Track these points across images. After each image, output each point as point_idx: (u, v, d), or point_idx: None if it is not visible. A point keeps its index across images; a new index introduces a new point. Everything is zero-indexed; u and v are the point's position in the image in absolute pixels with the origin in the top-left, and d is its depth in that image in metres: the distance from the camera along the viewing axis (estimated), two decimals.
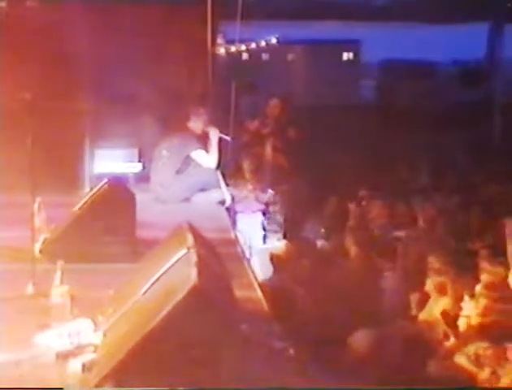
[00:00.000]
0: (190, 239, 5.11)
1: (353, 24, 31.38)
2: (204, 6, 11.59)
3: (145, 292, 4.86)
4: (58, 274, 5.42)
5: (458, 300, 7.30)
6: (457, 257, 8.46)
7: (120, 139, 10.78)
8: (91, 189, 7.51)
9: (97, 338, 4.96)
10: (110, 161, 10.75)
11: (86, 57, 10.18)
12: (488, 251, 8.50)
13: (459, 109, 21.04)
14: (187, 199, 10.23)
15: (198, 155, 10.40)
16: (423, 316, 7.73)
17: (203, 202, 10.18)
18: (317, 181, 12.74)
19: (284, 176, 13.08)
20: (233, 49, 20.24)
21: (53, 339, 4.98)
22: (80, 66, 10.16)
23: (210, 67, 11.92)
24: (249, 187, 12.06)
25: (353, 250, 9.40)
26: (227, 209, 10.32)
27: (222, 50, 18.28)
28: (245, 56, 26.84)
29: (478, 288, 7.32)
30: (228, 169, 11.41)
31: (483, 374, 6.45)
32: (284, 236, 11.05)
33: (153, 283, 4.84)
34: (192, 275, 4.49)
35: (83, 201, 7.34)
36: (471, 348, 6.69)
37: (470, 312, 7.01)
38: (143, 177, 10.73)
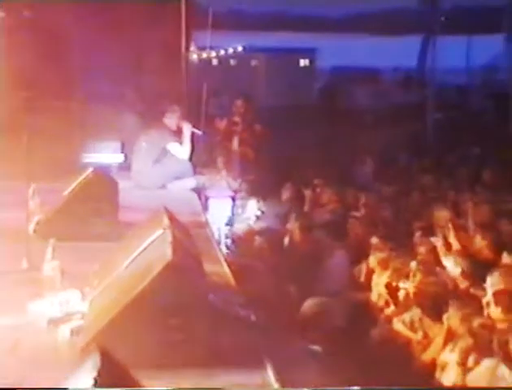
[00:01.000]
0: (166, 221, 5.11)
1: (310, 35, 31.53)
2: (179, 16, 11.56)
3: (127, 266, 4.85)
4: (50, 250, 5.40)
5: (398, 273, 7.33)
6: (397, 236, 8.49)
7: (105, 133, 10.75)
8: (79, 177, 7.45)
9: (84, 307, 4.95)
10: (96, 152, 10.72)
11: (76, 60, 10.11)
12: (423, 231, 8.54)
13: (399, 109, 21.19)
14: (163, 186, 10.22)
15: (173, 147, 10.38)
16: (368, 288, 7.76)
17: (178, 189, 10.17)
18: (278, 171, 12.76)
19: (249, 167, 13.10)
20: (204, 55, 20.14)
21: (45, 307, 4.97)
22: (71, 68, 10.09)
23: (184, 71, 11.91)
24: (221, 175, 12.05)
25: (299, 233, 9.44)
26: (199, 194, 10.32)
27: (194, 56, 18.20)
28: (214, 61, 26.79)
29: (414, 263, 7.35)
30: (202, 159, 11.42)
31: (417, 337, 6.50)
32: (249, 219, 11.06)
33: (133, 259, 4.83)
34: (167, 252, 4.49)
35: (72, 187, 7.32)
36: (407, 315, 6.73)
37: (408, 284, 7.04)
38: (124, 167, 10.70)
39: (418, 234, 8.33)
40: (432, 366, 6.04)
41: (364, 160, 13.87)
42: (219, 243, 8.82)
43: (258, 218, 10.84)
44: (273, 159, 13.44)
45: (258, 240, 9.36)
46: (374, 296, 7.48)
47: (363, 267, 8.10)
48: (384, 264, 7.75)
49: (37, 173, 6.63)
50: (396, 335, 6.69)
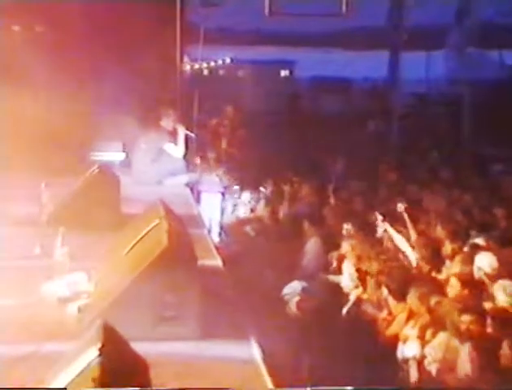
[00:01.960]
0: (162, 212, 5.10)
1: (290, 49, 31.57)
2: (174, 33, 11.59)
3: (128, 252, 4.84)
4: (60, 238, 5.39)
5: (367, 259, 7.35)
6: (366, 226, 8.50)
7: (109, 134, 10.74)
8: (86, 173, 7.44)
9: (89, 287, 4.95)
10: (100, 151, 10.71)
11: (86, 71, 10.09)
12: (388, 221, 8.54)
13: (367, 115, 21.23)
14: (160, 182, 10.19)
15: (169, 147, 10.38)
16: (339, 271, 7.77)
17: (173, 184, 10.15)
18: (260, 169, 12.75)
19: (236, 165, 13.11)
20: (197, 66, 20.15)
21: (55, 288, 4.98)
22: (81, 78, 10.07)
23: (179, 79, 11.91)
24: (212, 172, 12.02)
25: (277, 223, 9.46)
26: (192, 189, 10.32)
27: (188, 67, 18.15)
28: (205, 72, 26.74)
29: (380, 250, 7.39)
30: (195, 157, 11.42)
31: (382, 315, 6.52)
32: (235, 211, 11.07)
33: (133, 246, 4.83)
34: (163, 240, 4.49)
35: (79, 182, 7.31)
36: (375, 296, 6.75)
37: (374, 268, 7.07)
38: (126, 164, 10.69)
39: (383, 224, 8.32)
40: (395, 339, 6.07)
41: (336, 159, 13.87)
42: (209, 231, 8.81)
43: (245, 210, 10.83)
44: (256, 159, 13.43)
45: (245, 229, 9.38)
46: (345, 279, 7.49)
47: (336, 254, 8.11)
48: (354, 250, 7.77)
49: (49, 169, 6.63)
50: (364, 313, 6.72)
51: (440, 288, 6.32)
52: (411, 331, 5.92)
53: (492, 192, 10.60)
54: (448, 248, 7.29)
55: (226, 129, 14.77)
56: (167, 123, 10.53)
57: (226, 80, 27.89)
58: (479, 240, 7.37)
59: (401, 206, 8.22)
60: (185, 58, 14.12)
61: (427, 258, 7.16)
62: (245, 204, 11.05)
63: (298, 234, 8.87)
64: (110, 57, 10.53)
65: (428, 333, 5.77)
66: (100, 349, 2.77)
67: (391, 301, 6.46)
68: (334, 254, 8.09)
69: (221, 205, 10.88)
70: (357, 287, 7.19)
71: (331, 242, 8.36)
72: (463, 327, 5.46)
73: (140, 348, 3.09)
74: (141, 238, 4.83)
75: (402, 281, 6.47)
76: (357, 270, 7.33)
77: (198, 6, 15.57)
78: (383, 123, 19.87)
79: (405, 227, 8.06)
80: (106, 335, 2.91)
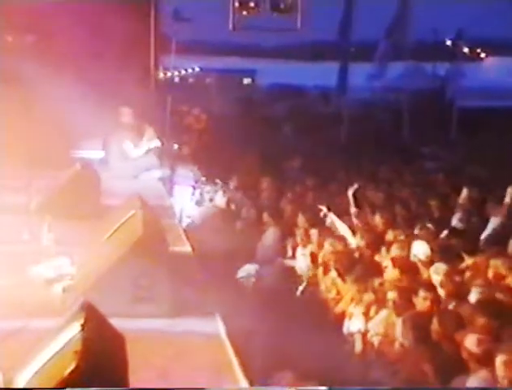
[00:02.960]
0: (138, 204, 5.08)
1: (251, 60, 31.61)
2: (149, 44, 11.58)
3: (107, 239, 4.82)
4: (46, 225, 5.35)
5: (320, 245, 7.39)
6: (319, 217, 8.49)
7: (89, 133, 10.63)
8: (70, 168, 7.39)
9: (73, 270, 4.92)
10: (82, 149, 10.59)
11: (67, 77, 9.96)
12: (334, 212, 8.54)
13: (319, 119, 21.32)
14: (136, 176, 10.11)
15: (127, 147, 10.26)
16: (294, 257, 7.80)
17: (147, 178, 10.08)
18: (226, 166, 12.68)
19: (204, 162, 13.06)
20: (169, 74, 20.04)
21: (42, 270, 4.94)
22: (65, 84, 9.95)
23: (153, 86, 11.86)
24: (185, 167, 11.94)
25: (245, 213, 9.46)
26: (164, 182, 10.25)
27: (161, 75, 18.05)
28: (177, 79, 26.64)
29: (329, 237, 7.42)
30: (171, 154, 11.38)
31: (331, 295, 6.56)
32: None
33: (112, 233, 4.81)
34: (139, 228, 4.48)
35: (64, 176, 7.25)
36: (325, 278, 6.79)
37: (328, 254, 7.10)
38: (104, 161, 10.58)
39: (328, 214, 8.31)
40: (342, 315, 6.11)
41: (293, 157, 13.90)
42: (180, 220, 8.77)
43: (212, 201, 10.76)
44: (222, 157, 13.40)
45: (212, 218, 9.35)
46: (299, 263, 7.52)
47: (291, 241, 8.13)
48: (307, 238, 7.80)
49: (36, 164, 6.56)
50: (316, 292, 6.76)
51: (380, 271, 6.38)
52: (356, 308, 5.97)
53: (427, 187, 10.69)
54: (390, 235, 7.34)
55: (195, 129, 14.75)
56: (125, 117, 10.40)
57: (195, 86, 27.86)
58: (416, 230, 7.44)
59: (350, 192, 8.23)
60: (159, 67, 14.04)
61: (369, 244, 7.20)
62: (219, 196, 10.96)
63: (259, 223, 8.90)
64: (91, 65, 10.46)
65: (372, 310, 5.82)
66: (82, 325, 2.76)
67: (339, 282, 6.51)
68: (290, 242, 8.12)
69: (192, 196, 10.84)
70: (309, 270, 7.23)
71: (288, 231, 8.38)
72: (400, 305, 5.52)
73: (117, 324, 3.09)
74: (119, 227, 4.81)
75: (348, 265, 6.52)
76: (311, 255, 7.36)
77: (171, 21, 15.54)
78: (332, 125, 19.97)
79: (349, 215, 8.08)
80: (88, 313, 2.90)
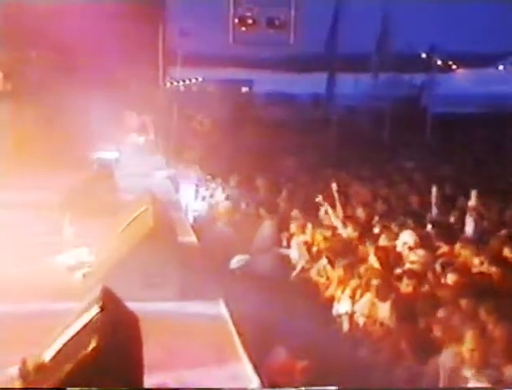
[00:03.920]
0: (149, 199, 5.08)
1: (249, 70, 31.70)
2: (157, 57, 11.61)
3: (121, 231, 4.81)
4: (67, 220, 5.36)
5: (313, 236, 7.38)
6: (312, 210, 8.46)
7: (105, 137, 10.65)
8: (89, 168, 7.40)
9: (92, 258, 4.92)
10: (100, 150, 10.60)
11: (86, 87, 9.97)
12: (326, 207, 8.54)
13: (309, 123, 21.35)
14: (146, 175, 10.11)
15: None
16: (289, 246, 7.77)
17: (156, 177, 10.09)
18: (226, 165, 12.64)
19: (207, 162, 13.02)
20: (175, 83, 20.06)
21: (64, 259, 4.94)
22: (82, 95, 9.93)
23: (161, 94, 11.88)
24: (190, 167, 11.93)
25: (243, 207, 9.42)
26: (172, 181, 10.27)
27: (168, 84, 18.06)
28: (182, 88, 26.62)
29: (323, 229, 7.41)
30: (177, 155, 11.38)
31: (322, 280, 6.56)
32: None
33: (127, 226, 4.80)
34: (150, 221, 4.48)
35: (82, 176, 7.25)
36: (317, 264, 6.78)
37: (320, 243, 7.10)
38: (118, 161, 10.59)
39: (324, 204, 8.28)
40: (332, 299, 6.11)
41: (287, 157, 13.91)
42: (186, 214, 8.77)
43: (212, 196, 10.73)
44: (222, 157, 13.38)
45: (215, 212, 9.31)
46: (293, 252, 7.51)
47: (286, 233, 8.10)
48: (302, 229, 7.75)
49: (58, 165, 6.56)
50: (308, 278, 6.75)
51: (365, 259, 6.38)
52: (344, 292, 5.97)
53: (405, 183, 10.69)
54: (376, 227, 7.34)
55: (198, 133, 14.73)
56: (131, 118, 10.43)
57: (198, 94, 27.79)
58: (399, 222, 7.42)
59: (334, 186, 8.22)
60: (166, 77, 14.05)
61: (358, 235, 7.19)
62: (222, 194, 10.92)
63: (256, 217, 8.87)
64: (107, 79, 10.51)
65: (357, 294, 5.82)
66: (101, 307, 2.76)
67: (329, 268, 6.50)
68: (285, 233, 8.10)
69: (196, 193, 10.84)
70: (302, 257, 7.22)
71: (283, 224, 8.36)
72: (382, 289, 5.53)
73: (132, 306, 3.08)
74: (133, 220, 4.81)
75: (338, 253, 6.52)
76: (306, 243, 7.33)
77: (177, 36, 15.52)
78: (322, 128, 19.99)
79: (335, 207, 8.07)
80: (106, 296, 2.90)
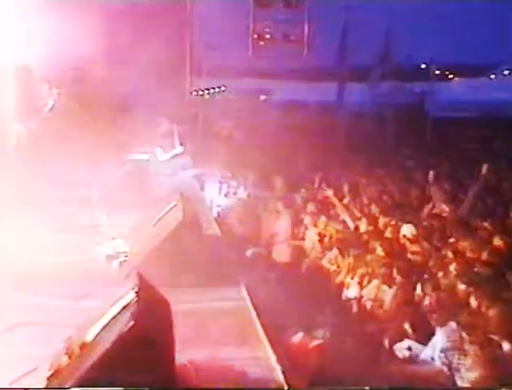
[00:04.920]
0: (178, 196, 5.08)
1: (267, 80, 31.77)
2: (185, 68, 11.62)
3: (154, 224, 4.82)
4: (106, 214, 5.37)
5: (325, 228, 7.34)
6: (324, 206, 8.38)
7: (138, 140, 10.65)
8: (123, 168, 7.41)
9: (127, 249, 4.92)
10: (133, 152, 10.60)
11: (123, 98, 9.97)
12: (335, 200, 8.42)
13: (321, 127, 21.20)
14: (174, 174, 10.09)
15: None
16: (303, 238, 7.72)
17: (184, 176, 10.07)
18: (245, 166, 12.54)
19: (229, 163, 12.98)
20: (200, 92, 20.08)
21: (103, 249, 4.95)
22: (121, 104, 9.91)
23: (189, 102, 11.90)
24: (214, 167, 11.87)
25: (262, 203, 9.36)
26: (197, 179, 10.23)
27: (194, 93, 18.05)
28: (207, 96, 26.65)
29: (332, 222, 7.35)
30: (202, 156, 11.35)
31: (332, 268, 6.53)
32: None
33: (158, 220, 4.80)
34: (179, 216, 4.48)
35: (118, 175, 7.28)
36: (328, 254, 6.75)
37: (330, 233, 7.06)
38: (149, 162, 10.55)
39: (332, 198, 8.18)
40: (341, 285, 6.08)
41: (300, 158, 13.81)
42: (211, 209, 8.76)
43: (235, 194, 10.69)
44: (243, 158, 13.33)
45: (236, 208, 9.31)
46: (307, 243, 7.47)
47: (302, 227, 8.03)
48: (315, 221, 7.69)
49: (97, 165, 6.58)
50: (320, 267, 6.73)
51: (372, 249, 6.33)
52: (353, 279, 5.94)
53: (408, 181, 10.59)
54: (382, 221, 7.27)
55: (221, 136, 14.72)
56: (161, 127, 10.39)
57: (221, 102, 27.80)
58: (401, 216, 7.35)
59: (345, 186, 8.16)
60: (193, 87, 14.07)
61: (367, 228, 7.14)
62: (244, 191, 10.86)
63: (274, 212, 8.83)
64: (140, 87, 10.50)
65: (365, 280, 5.79)
66: (136, 292, 2.76)
67: (339, 258, 6.48)
68: (300, 227, 8.05)
69: (219, 191, 10.81)
70: (315, 248, 7.19)
71: (298, 218, 8.30)
72: (387, 277, 5.50)
73: (163, 292, 3.08)
74: (164, 215, 4.81)
75: (347, 244, 6.49)
76: (319, 234, 7.29)
77: (202, 49, 15.53)
78: (332, 133, 19.88)
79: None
80: (140, 283, 2.90)
